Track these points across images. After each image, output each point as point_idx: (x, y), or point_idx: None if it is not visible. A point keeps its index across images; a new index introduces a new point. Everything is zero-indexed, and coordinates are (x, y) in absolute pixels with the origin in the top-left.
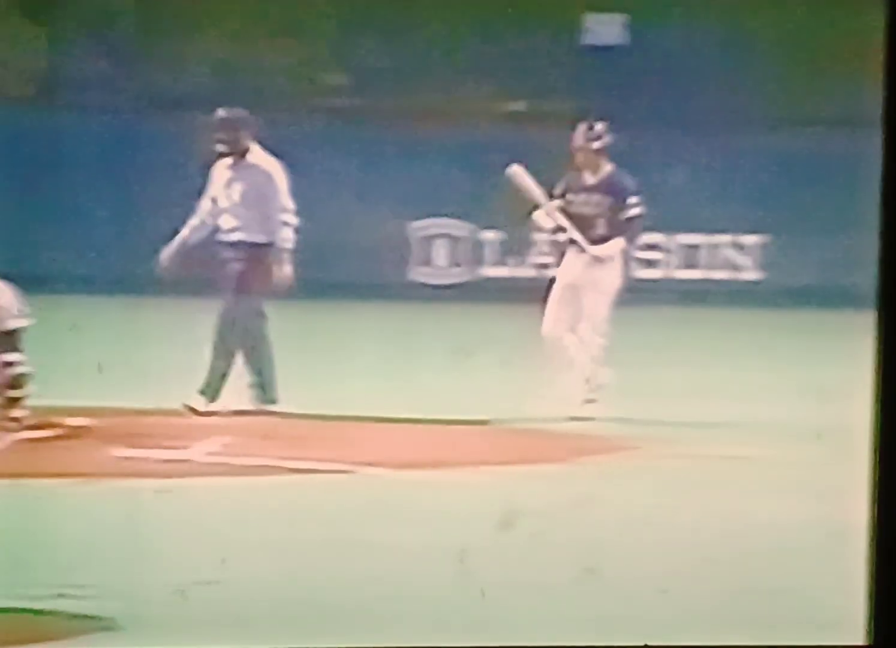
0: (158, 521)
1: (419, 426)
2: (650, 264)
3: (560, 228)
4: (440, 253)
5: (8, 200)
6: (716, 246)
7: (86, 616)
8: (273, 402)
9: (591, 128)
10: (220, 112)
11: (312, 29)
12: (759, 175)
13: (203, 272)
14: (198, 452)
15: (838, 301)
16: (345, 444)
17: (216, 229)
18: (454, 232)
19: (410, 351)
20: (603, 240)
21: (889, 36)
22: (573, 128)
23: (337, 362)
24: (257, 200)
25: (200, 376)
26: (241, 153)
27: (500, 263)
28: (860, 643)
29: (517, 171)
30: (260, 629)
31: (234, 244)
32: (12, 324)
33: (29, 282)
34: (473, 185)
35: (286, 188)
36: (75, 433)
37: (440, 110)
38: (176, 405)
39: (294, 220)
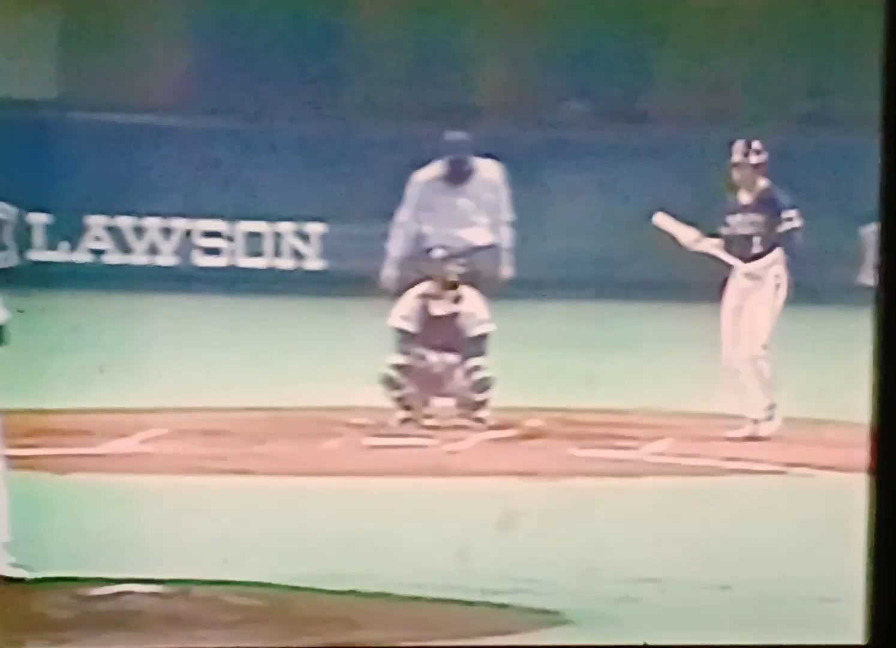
0: (607, 519)
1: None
2: None
3: (714, 258)
4: None
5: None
6: None
7: (541, 611)
8: None
9: (749, 144)
10: (454, 128)
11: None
12: None
13: (420, 280)
14: (647, 452)
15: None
16: (782, 446)
17: (421, 238)
18: None
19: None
20: (760, 257)
21: (889, 35)
22: None
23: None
24: (481, 208)
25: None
26: (466, 164)
27: None
28: (860, 643)
29: (661, 218)
30: (704, 628)
31: (454, 250)
32: (479, 330)
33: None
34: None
35: (508, 197)
36: (534, 433)
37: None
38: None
39: (509, 232)
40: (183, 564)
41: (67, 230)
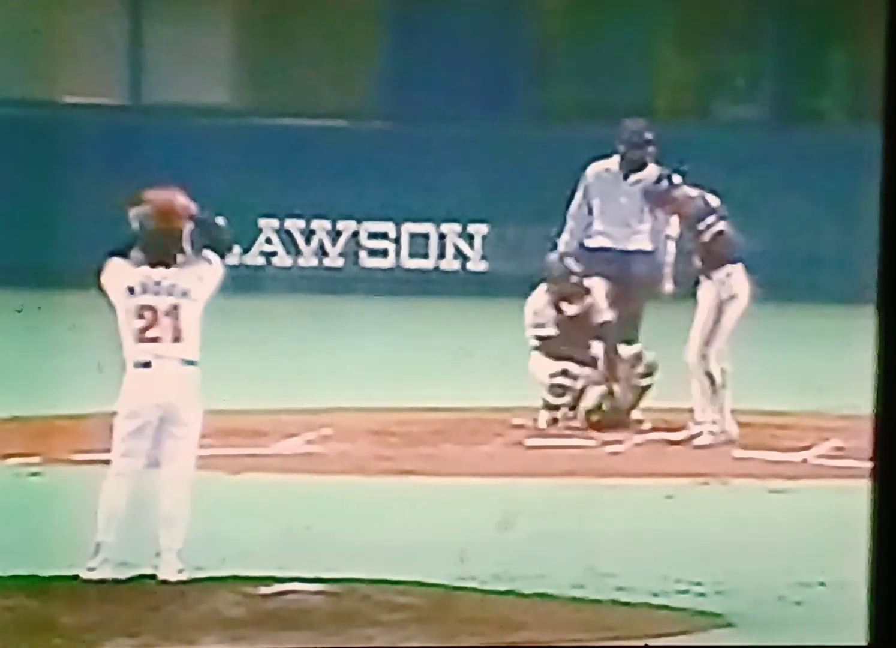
0: (770, 521)
1: None
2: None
3: None
4: None
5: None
6: None
7: (703, 613)
8: None
9: (662, 178)
10: (627, 123)
11: None
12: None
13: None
14: (812, 454)
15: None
16: None
17: (587, 236)
18: None
19: None
20: (704, 273)
21: (889, 33)
22: None
23: None
24: (645, 211)
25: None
26: (641, 165)
27: None
28: (860, 643)
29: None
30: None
31: (616, 252)
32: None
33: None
34: None
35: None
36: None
37: None
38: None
39: (672, 247)
40: (348, 563)
41: (240, 234)
